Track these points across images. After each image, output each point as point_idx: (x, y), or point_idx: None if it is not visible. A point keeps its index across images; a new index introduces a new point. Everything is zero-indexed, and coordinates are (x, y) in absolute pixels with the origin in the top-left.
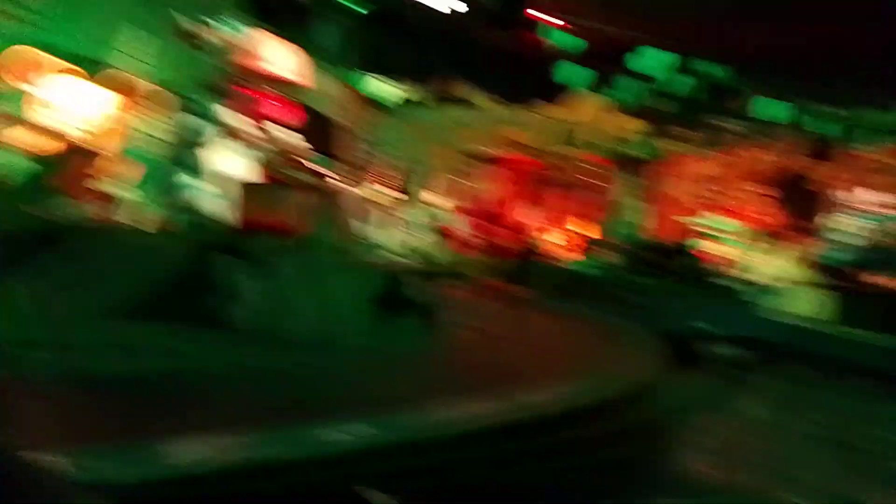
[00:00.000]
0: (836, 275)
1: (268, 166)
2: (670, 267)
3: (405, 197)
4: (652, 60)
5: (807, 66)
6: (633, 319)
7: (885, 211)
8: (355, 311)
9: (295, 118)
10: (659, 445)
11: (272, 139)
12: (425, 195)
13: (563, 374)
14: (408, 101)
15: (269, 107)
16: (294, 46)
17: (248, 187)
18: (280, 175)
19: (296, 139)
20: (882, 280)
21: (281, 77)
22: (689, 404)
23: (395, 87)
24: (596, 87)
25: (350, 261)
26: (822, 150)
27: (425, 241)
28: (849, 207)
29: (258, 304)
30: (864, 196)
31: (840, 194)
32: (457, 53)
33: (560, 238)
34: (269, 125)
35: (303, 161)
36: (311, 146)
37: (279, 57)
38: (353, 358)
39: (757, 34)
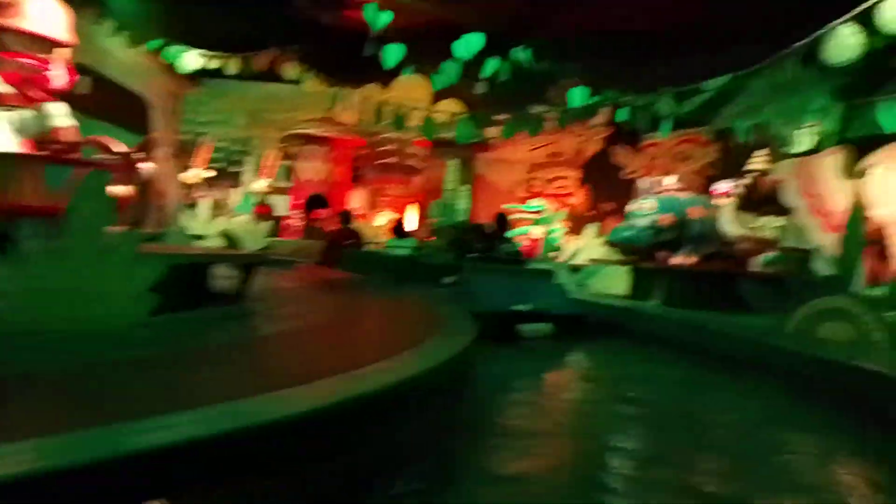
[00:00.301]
0: (644, 254)
1: (33, 139)
2: (489, 249)
3: (219, 177)
4: (473, 45)
5: (613, 53)
6: (453, 301)
7: (684, 195)
8: (136, 302)
9: (70, 85)
10: (469, 427)
11: (41, 108)
12: (243, 176)
13: (381, 356)
14: (225, 76)
15: (38, 72)
16: (69, 4)
17: (6, 162)
18: (48, 149)
19: (68, 109)
20: (683, 258)
21: (52, 38)
22: (506, 383)
23: (209, 59)
24: (420, 70)
25: (132, 246)
26: (627, 137)
27: (241, 224)
28: (652, 191)
29: (11, 297)
30: (665, 180)
31: (644, 179)
32: (280, 27)
33: (383, 221)
34: (36, 92)
35: (78, 134)
36: (96, 117)
37: (51, 14)
38: (138, 352)
39: (573, 20)
